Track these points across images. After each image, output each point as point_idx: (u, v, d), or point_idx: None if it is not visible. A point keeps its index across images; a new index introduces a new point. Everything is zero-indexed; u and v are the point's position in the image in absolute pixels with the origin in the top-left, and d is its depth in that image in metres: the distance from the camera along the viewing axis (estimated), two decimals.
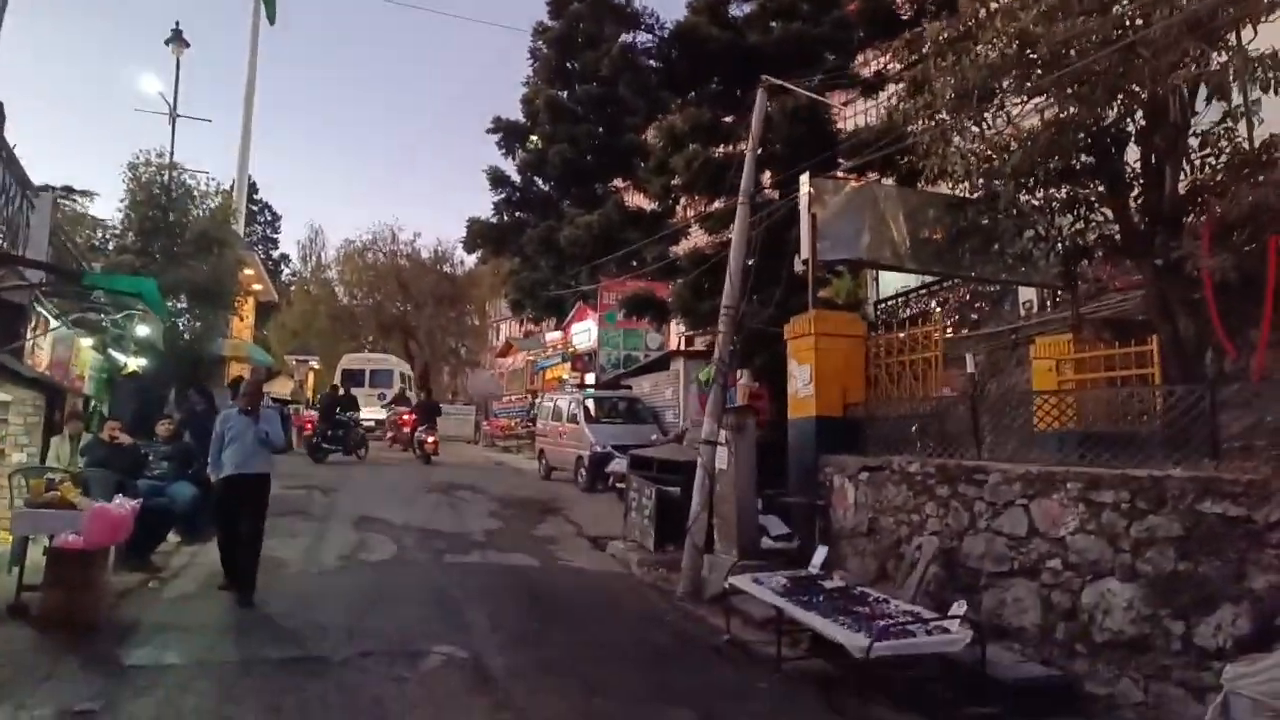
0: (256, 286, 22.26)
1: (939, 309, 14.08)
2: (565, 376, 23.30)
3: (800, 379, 8.67)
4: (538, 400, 22.67)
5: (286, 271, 52.53)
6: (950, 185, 7.72)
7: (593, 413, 15.47)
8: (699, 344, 16.78)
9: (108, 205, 20.49)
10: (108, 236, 14.40)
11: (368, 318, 42.14)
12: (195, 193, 15.58)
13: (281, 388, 34.26)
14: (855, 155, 10.80)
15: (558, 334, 25.47)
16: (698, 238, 16.60)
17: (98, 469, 6.82)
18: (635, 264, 21.43)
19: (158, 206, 14.79)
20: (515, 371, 36.62)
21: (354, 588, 7.00)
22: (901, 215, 9.19)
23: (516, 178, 23.63)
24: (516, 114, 23.50)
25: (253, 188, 60.02)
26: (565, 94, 21.46)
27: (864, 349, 8.64)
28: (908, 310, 15.09)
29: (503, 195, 23.58)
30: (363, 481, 14.49)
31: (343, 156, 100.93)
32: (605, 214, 21.38)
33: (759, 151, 9.19)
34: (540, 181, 23.72)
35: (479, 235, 22.77)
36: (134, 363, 10.23)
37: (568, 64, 21.02)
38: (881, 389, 8.37)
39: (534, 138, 23.13)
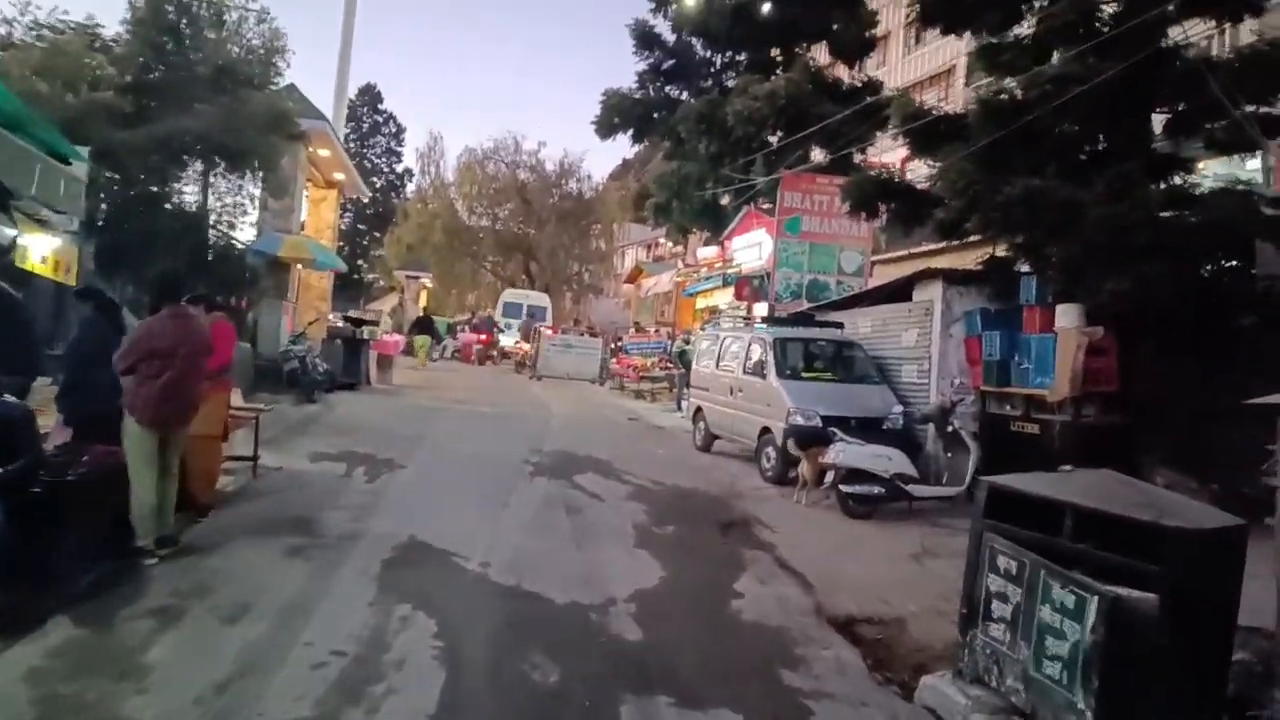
0: (338, 175, 17.69)
1: None
2: (723, 306, 17.72)
3: None
4: (687, 335, 17.38)
5: (410, 187, 49.52)
6: None
7: (786, 361, 9.98)
8: (956, 264, 10.83)
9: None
10: (102, 72, 9.81)
11: (487, 234, 38.33)
12: (225, 18, 10.84)
13: (386, 305, 30.93)
14: None
15: (712, 250, 19.78)
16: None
17: None
18: (828, 155, 15.52)
19: (168, 29, 10.12)
20: (646, 300, 31.50)
21: None
22: None
23: (669, 38, 17.80)
24: None
25: (377, 96, 57.33)
26: None
27: None
28: None
29: (649, 62, 17.83)
30: (444, 447, 9.71)
31: (464, 59, 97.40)
32: (794, 80, 15.39)
33: None
34: (699, 45, 17.81)
35: (617, 112, 17.29)
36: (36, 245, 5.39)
37: None
38: None
39: None
